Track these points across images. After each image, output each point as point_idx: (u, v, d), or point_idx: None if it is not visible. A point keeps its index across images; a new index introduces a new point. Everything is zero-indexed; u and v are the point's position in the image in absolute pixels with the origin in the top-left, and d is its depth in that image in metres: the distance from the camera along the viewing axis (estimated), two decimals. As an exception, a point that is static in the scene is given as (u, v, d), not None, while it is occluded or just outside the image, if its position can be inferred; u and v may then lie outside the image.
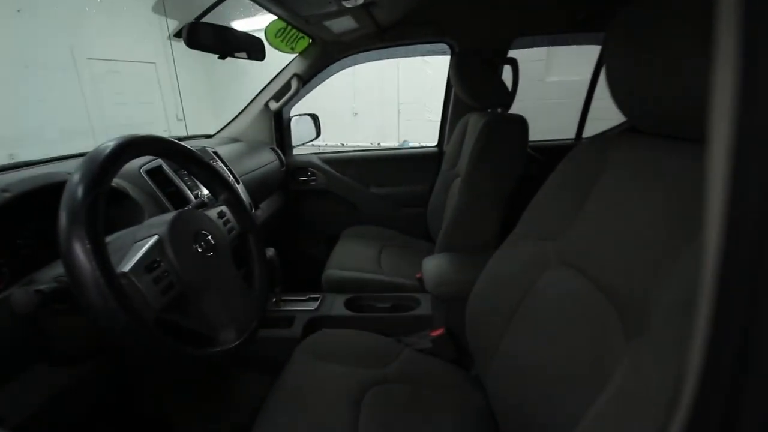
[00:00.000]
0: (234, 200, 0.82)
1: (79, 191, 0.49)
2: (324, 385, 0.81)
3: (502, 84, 1.30)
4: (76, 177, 0.51)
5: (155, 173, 0.96)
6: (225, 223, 0.77)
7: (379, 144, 5.70)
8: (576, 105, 1.89)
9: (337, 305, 1.21)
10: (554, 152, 1.83)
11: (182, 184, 1.00)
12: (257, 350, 1.09)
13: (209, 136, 1.77)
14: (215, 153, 1.26)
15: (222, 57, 0.94)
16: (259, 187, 1.54)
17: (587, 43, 1.79)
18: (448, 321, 1.05)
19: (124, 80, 4.92)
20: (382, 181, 1.93)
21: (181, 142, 1.44)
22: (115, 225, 0.85)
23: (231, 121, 1.79)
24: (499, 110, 1.35)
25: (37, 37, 3.85)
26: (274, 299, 1.23)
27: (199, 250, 0.65)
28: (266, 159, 1.66)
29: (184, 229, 0.64)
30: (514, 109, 1.39)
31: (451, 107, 1.76)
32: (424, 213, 1.75)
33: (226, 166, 1.27)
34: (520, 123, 1.18)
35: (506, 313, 0.71)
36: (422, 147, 1.99)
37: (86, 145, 1.23)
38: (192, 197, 0.99)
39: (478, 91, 1.30)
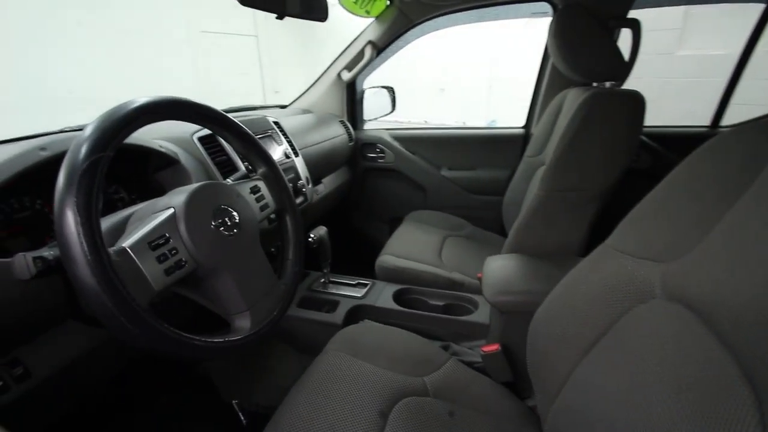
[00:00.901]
0: (272, 175, 0.75)
1: (82, 151, 0.45)
2: (353, 387, 0.73)
3: (617, 51, 1.02)
4: (85, 134, 0.47)
5: (208, 140, 0.94)
6: (258, 200, 0.71)
7: (464, 123, 5.38)
8: (715, 85, 1.47)
9: (384, 296, 1.12)
10: (678, 142, 1.46)
11: (234, 152, 0.97)
12: (298, 329, 1.06)
13: (284, 107, 1.76)
14: (276, 123, 1.22)
15: (280, 17, 0.87)
16: (323, 161, 1.48)
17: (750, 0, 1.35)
18: (504, 336, 0.88)
19: (228, 52, 5.31)
20: (456, 164, 1.75)
21: (252, 111, 1.47)
22: (163, 191, 0.86)
23: (305, 91, 1.76)
24: (608, 85, 1.07)
25: (157, 10, 4.30)
26: (322, 279, 1.18)
27: (219, 228, 0.59)
28: (334, 132, 1.60)
29: (204, 203, 0.58)
30: (629, 86, 1.10)
31: (545, 81, 1.49)
32: (500, 203, 1.54)
33: (285, 137, 1.23)
34: (634, 100, 0.91)
35: (582, 343, 0.55)
36: (505, 128, 1.74)
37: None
38: (243, 167, 0.96)
39: (583, 60, 1.03)
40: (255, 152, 0.73)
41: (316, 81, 1.73)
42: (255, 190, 0.71)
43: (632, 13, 1.24)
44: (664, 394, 0.40)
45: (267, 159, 0.75)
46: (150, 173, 0.84)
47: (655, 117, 1.14)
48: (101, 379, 0.72)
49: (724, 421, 0.33)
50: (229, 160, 0.95)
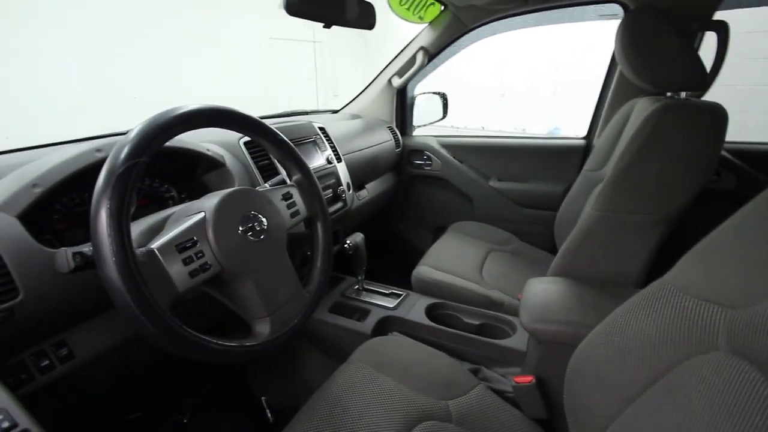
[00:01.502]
0: (306, 182, 0.76)
1: (121, 156, 0.48)
2: (372, 402, 0.71)
3: (696, 58, 0.89)
4: (127, 138, 0.50)
5: (253, 145, 0.97)
6: (290, 206, 0.72)
7: (524, 130, 5.14)
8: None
9: (417, 309, 1.08)
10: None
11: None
12: (327, 334, 1.07)
13: (335, 112, 1.80)
14: (321, 129, 1.24)
15: (327, 26, 0.88)
16: (367, 167, 1.49)
17: None
18: (540, 367, 0.81)
19: (292, 58, 5.58)
20: (506, 175, 1.66)
21: (302, 117, 1.51)
22: (209, 192, 0.91)
23: (356, 96, 1.79)
24: (683, 95, 0.94)
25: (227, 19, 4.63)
26: (356, 286, 1.18)
27: (247, 233, 0.60)
28: (380, 138, 1.59)
29: (234, 209, 0.60)
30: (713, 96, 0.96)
31: (612, 89, 1.36)
32: (553, 218, 1.43)
33: (330, 142, 1.24)
34: (713, 114, 0.79)
35: (629, 388, 0.49)
36: (564, 138, 1.62)
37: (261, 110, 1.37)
38: (283, 172, 0.98)
39: (654, 68, 0.91)
40: (290, 159, 0.74)
41: (367, 87, 1.75)
42: (287, 196, 0.72)
43: (719, 15, 1.09)
44: None
45: (302, 166, 0.75)
46: (199, 174, 0.90)
47: (743, 130, 0.99)
48: (139, 365, 0.77)
49: None
50: (272, 164, 0.99)
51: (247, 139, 0.97)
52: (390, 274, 1.85)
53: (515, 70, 5.08)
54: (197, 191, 0.90)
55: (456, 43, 1.51)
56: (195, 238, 0.54)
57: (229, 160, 0.90)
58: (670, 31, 0.88)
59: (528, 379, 0.79)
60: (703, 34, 1.14)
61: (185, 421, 1.11)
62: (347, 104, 1.81)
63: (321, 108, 1.69)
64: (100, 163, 0.66)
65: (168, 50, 4.10)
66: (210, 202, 0.59)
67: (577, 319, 0.78)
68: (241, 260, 0.59)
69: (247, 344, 0.57)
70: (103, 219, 0.45)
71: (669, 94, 0.98)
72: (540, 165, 1.59)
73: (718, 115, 0.78)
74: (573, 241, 0.94)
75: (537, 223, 1.59)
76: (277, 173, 0.98)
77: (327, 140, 1.24)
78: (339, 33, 5.87)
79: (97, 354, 0.65)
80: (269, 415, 1.08)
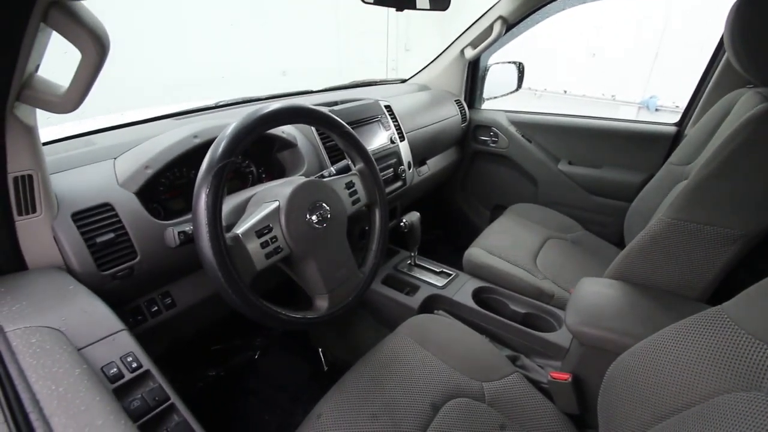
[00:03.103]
0: (368, 172, 0.81)
1: (218, 153, 0.58)
2: (413, 373, 0.79)
3: None
4: (223, 135, 0.59)
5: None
6: (351, 194, 0.78)
7: (613, 97, 4.59)
8: None
9: (464, 291, 1.13)
10: None
11: None
12: (379, 303, 1.16)
13: (403, 81, 1.79)
14: (387, 107, 1.26)
15: (399, 9, 0.87)
16: (431, 143, 1.49)
17: None
18: (579, 368, 0.83)
19: (365, 19, 5.39)
20: (578, 158, 1.56)
21: (373, 86, 1.53)
22: (283, 168, 1.01)
23: (425, 66, 1.75)
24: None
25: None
26: (408, 261, 1.25)
27: (313, 220, 0.69)
28: (446, 113, 1.57)
29: (303, 198, 0.68)
30: None
31: (714, 76, 1.18)
32: (625, 210, 1.33)
33: (395, 121, 1.27)
34: None
35: (661, 407, 0.51)
36: (652, 123, 1.45)
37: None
38: (347, 157, 1.05)
39: None
40: (355, 150, 0.80)
41: (438, 56, 1.69)
42: (350, 185, 0.78)
43: None
44: None
45: (366, 157, 0.81)
46: (274, 152, 1.00)
47: None
48: (221, 313, 0.93)
49: None
50: (338, 146, 1.05)
51: None
52: (443, 250, 1.89)
53: (611, 27, 4.44)
54: (273, 167, 1.00)
55: (541, 12, 1.39)
56: (270, 225, 0.64)
57: (300, 141, 0.98)
58: None
59: (565, 376, 0.81)
60: None
61: (256, 357, 1.32)
62: (416, 74, 1.78)
63: (390, 76, 1.68)
64: (197, 148, 0.78)
65: (249, 23, 4.18)
66: (284, 191, 0.67)
67: (625, 328, 0.77)
68: (307, 245, 0.67)
69: (309, 316, 0.67)
70: (202, 208, 0.55)
71: None
72: (619, 151, 1.47)
73: None
74: (638, 243, 0.89)
75: (606, 213, 1.50)
76: (343, 156, 1.04)
77: (392, 118, 1.26)
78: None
79: (192, 303, 0.81)
80: (324, 364, 1.24)
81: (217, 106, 1.11)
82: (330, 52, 4.96)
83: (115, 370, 0.47)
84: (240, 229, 0.61)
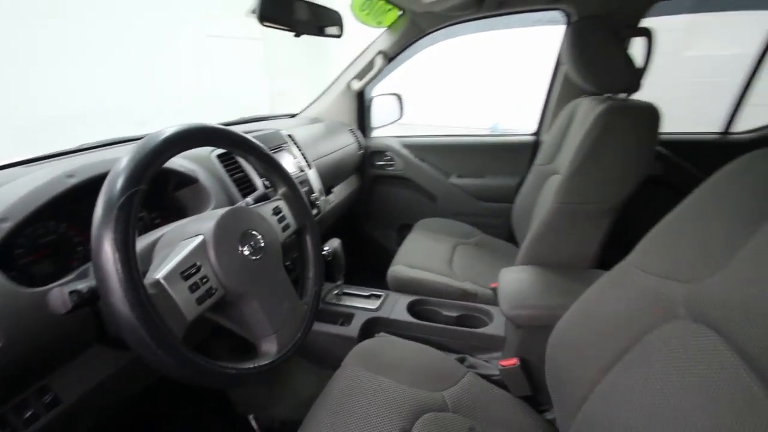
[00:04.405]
0: (293, 195, 0.76)
1: (118, 185, 0.46)
2: (374, 403, 0.73)
3: (631, 63, 1.02)
4: (119, 166, 0.48)
5: (225, 157, 0.94)
6: (280, 220, 0.71)
7: (467, 127, 5.40)
8: (723, 87, 1.46)
9: (398, 308, 1.12)
10: (690, 149, 1.45)
11: (251, 169, 0.98)
12: (314, 342, 1.07)
13: (293, 116, 1.77)
14: (290, 136, 1.23)
15: (297, 35, 0.88)
16: (334, 171, 1.49)
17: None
18: (522, 350, 0.89)
19: (234, 56, 5.31)
20: (465, 171, 1.75)
21: (263, 122, 1.47)
22: (183, 209, 0.87)
23: (314, 100, 1.77)
24: (621, 96, 1.07)
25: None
26: (335, 291, 1.19)
27: (246, 253, 0.60)
28: (344, 141, 1.60)
29: (232, 229, 0.59)
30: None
31: (557, 90, 1.49)
32: (509, 210, 1.54)
33: (299, 150, 1.24)
34: (650, 113, 0.91)
35: (604, 359, 0.55)
36: (514, 135, 1.74)
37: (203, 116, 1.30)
38: (259, 185, 0.97)
39: (598, 72, 1.04)
40: (276, 173, 0.74)
41: (326, 90, 1.74)
42: (277, 211, 0.71)
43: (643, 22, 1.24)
44: (689, 411, 0.40)
45: (288, 179, 0.75)
46: (170, 192, 0.85)
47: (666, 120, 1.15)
48: (126, 397, 0.72)
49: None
50: (246, 176, 0.96)
51: (219, 152, 0.94)
52: (360, 275, 1.87)
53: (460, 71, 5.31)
54: (169, 210, 0.86)
55: (414, 47, 1.56)
56: (198, 263, 0.53)
57: (202, 175, 0.87)
58: (609, 40, 1.00)
59: (512, 361, 0.86)
60: (629, 40, 1.29)
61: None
62: (305, 108, 1.79)
63: (274, 113, 1.65)
64: (72, 190, 0.62)
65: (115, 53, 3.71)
66: (207, 224, 0.57)
67: (551, 303, 0.86)
68: (244, 281, 0.58)
69: (260, 364, 0.57)
70: (108, 252, 0.43)
71: (608, 94, 1.11)
72: (494, 161, 1.70)
73: (654, 115, 0.91)
74: (537, 231, 1.03)
75: (496, 215, 1.70)
76: (253, 185, 0.96)
77: (296, 147, 1.22)
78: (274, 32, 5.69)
79: (83, 394, 0.61)
80: None
81: (80, 149, 0.91)
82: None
83: None
84: (160, 273, 0.49)
